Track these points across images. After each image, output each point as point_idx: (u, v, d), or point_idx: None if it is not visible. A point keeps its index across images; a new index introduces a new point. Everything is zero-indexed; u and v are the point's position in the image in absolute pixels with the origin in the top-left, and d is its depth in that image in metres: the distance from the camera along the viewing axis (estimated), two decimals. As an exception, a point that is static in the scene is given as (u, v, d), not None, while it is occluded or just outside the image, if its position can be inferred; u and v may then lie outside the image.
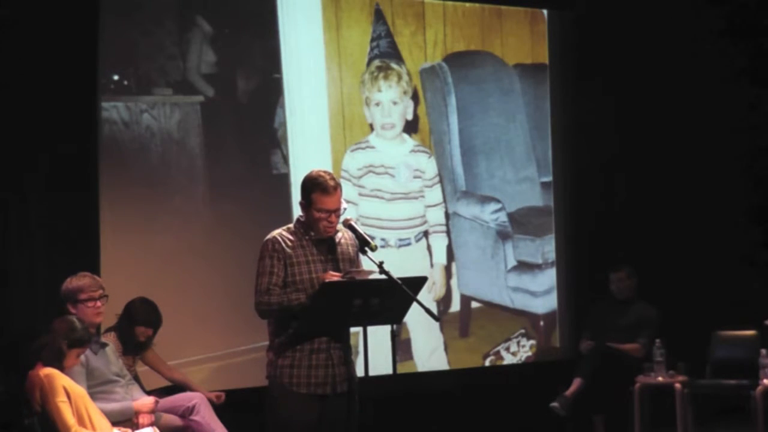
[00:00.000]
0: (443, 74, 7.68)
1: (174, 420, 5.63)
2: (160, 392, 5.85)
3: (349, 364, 4.63)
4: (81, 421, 4.82)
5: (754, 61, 8.28)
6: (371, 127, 7.44)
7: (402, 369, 7.08)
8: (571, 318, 8.05)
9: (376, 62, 7.45)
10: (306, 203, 4.58)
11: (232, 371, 6.68)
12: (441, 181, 7.64)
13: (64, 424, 4.76)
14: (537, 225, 7.98)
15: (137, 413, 5.33)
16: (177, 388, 5.98)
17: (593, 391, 7.12)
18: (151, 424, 5.31)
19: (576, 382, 7.13)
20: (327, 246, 4.63)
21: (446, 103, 7.69)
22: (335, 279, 4.44)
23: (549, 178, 8.10)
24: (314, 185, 4.55)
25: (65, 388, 4.83)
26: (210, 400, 5.81)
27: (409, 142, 7.56)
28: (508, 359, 7.84)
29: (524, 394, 7.51)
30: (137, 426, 5.25)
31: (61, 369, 4.91)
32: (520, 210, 7.93)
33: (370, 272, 4.53)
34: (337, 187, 4.56)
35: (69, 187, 6.27)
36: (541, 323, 7.99)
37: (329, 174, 4.60)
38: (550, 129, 8.11)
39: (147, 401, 5.42)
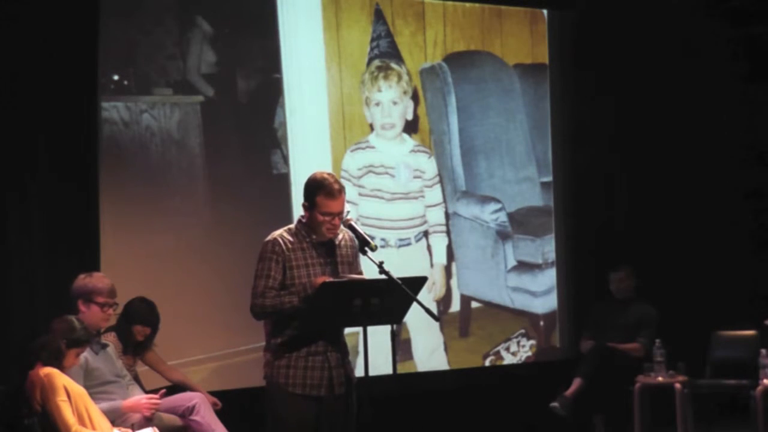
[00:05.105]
0: (443, 74, 7.68)
1: (174, 420, 5.63)
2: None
3: (347, 366, 4.63)
4: (81, 421, 4.82)
5: (754, 61, 8.29)
6: (371, 127, 7.44)
7: (402, 369, 7.08)
8: (571, 318, 8.05)
9: (376, 62, 7.45)
10: (309, 205, 4.58)
11: (232, 371, 6.68)
12: (441, 181, 7.64)
13: (64, 424, 4.77)
14: (537, 225, 7.98)
15: (127, 413, 5.30)
16: (177, 388, 5.98)
17: (593, 391, 7.12)
18: (149, 422, 5.29)
19: (576, 382, 7.13)
20: (327, 249, 4.63)
21: (446, 103, 7.69)
22: (331, 280, 4.45)
23: (549, 178, 8.10)
24: (319, 188, 4.54)
25: (66, 387, 4.83)
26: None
27: (409, 142, 7.56)
28: (508, 359, 7.84)
29: (524, 394, 7.51)
30: (137, 426, 5.24)
31: (61, 369, 4.91)
32: (520, 210, 7.93)
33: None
34: (342, 190, 4.56)
35: (69, 187, 6.27)
36: (541, 323, 7.99)
37: (333, 177, 4.61)
38: (550, 129, 8.11)
39: (135, 400, 5.37)
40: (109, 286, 5.45)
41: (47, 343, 4.92)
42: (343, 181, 7.06)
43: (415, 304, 4.47)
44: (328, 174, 4.63)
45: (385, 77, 7.47)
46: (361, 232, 4.62)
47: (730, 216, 8.18)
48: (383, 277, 4.40)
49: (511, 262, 7.84)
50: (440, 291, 7.59)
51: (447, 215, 7.65)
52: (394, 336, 4.53)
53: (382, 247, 7.13)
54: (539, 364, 7.92)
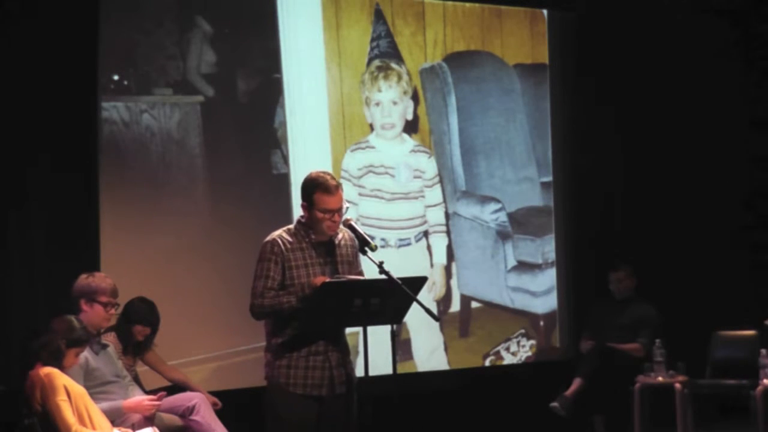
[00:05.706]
0: (443, 74, 7.68)
1: (174, 420, 5.63)
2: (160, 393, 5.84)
3: (347, 366, 4.63)
4: (81, 421, 4.82)
5: (755, 62, 8.30)
6: (371, 127, 7.44)
7: (402, 369, 7.07)
8: (571, 318, 8.05)
9: (376, 62, 7.45)
10: (308, 204, 4.58)
11: (232, 371, 6.68)
12: (441, 181, 7.64)
13: (64, 423, 4.77)
14: (537, 225, 7.98)
15: (127, 413, 5.30)
16: (177, 388, 5.98)
17: (593, 391, 7.13)
18: (149, 422, 5.29)
19: (576, 382, 7.13)
20: (326, 248, 4.63)
21: (446, 103, 7.69)
22: (331, 280, 4.45)
23: (549, 178, 8.10)
24: (315, 186, 4.56)
25: (66, 387, 4.83)
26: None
27: (409, 142, 7.56)
28: (508, 359, 7.84)
29: (524, 394, 7.51)
30: (137, 426, 5.25)
31: (61, 368, 4.91)
32: (520, 210, 7.93)
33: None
34: (339, 186, 4.58)
35: (69, 187, 6.27)
36: (541, 323, 7.99)
37: (329, 174, 4.62)
38: (550, 129, 8.11)
39: (137, 400, 5.38)
40: (111, 286, 5.47)
41: (47, 343, 4.92)
42: (343, 181, 7.11)
43: (415, 304, 4.47)
44: (324, 172, 4.64)
45: (385, 77, 7.47)
46: (361, 232, 4.62)
47: (730, 216, 8.18)
48: (383, 277, 4.40)
49: (511, 262, 7.84)
50: (440, 291, 7.59)
51: (447, 215, 7.65)
52: (394, 336, 4.53)
53: (382, 247, 7.13)
54: (539, 364, 7.92)
